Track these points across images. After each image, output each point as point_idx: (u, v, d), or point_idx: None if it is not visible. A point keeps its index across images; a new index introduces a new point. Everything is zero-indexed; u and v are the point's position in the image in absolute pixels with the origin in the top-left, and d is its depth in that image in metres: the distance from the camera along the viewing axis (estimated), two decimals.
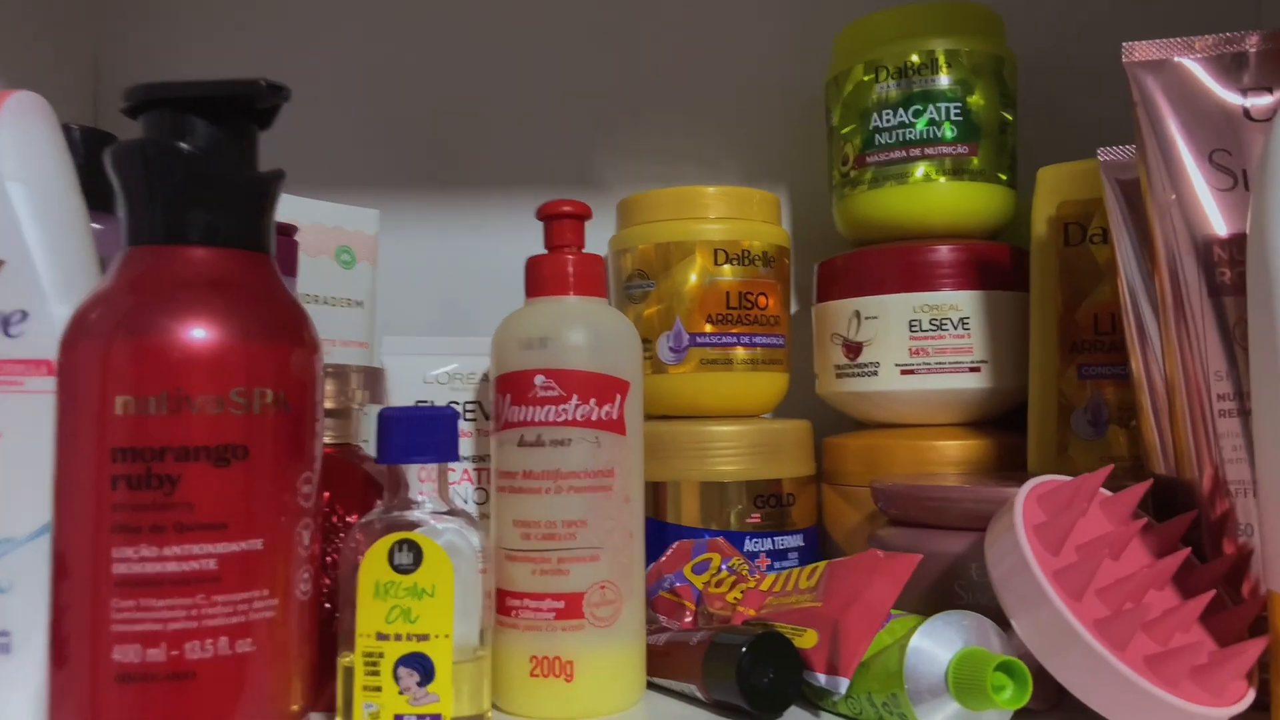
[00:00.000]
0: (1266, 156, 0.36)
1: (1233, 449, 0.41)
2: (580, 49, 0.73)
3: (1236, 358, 0.41)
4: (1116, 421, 0.53)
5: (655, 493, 0.57)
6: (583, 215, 0.44)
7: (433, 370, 0.45)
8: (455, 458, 0.38)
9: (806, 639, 0.40)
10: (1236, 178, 0.42)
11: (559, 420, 0.41)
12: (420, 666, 0.36)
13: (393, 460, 0.37)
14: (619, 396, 0.42)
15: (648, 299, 0.60)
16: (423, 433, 0.37)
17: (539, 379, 0.41)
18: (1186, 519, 0.41)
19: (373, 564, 0.36)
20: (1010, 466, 0.57)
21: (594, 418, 0.41)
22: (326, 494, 0.40)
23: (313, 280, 0.57)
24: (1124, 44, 0.45)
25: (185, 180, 0.35)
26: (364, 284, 0.60)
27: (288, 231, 0.47)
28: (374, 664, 0.36)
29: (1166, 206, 0.43)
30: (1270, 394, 0.35)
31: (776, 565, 0.57)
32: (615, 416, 0.42)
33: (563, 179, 0.72)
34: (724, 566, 0.50)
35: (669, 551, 0.52)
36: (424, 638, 0.36)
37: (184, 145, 0.35)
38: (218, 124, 0.36)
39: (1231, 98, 0.43)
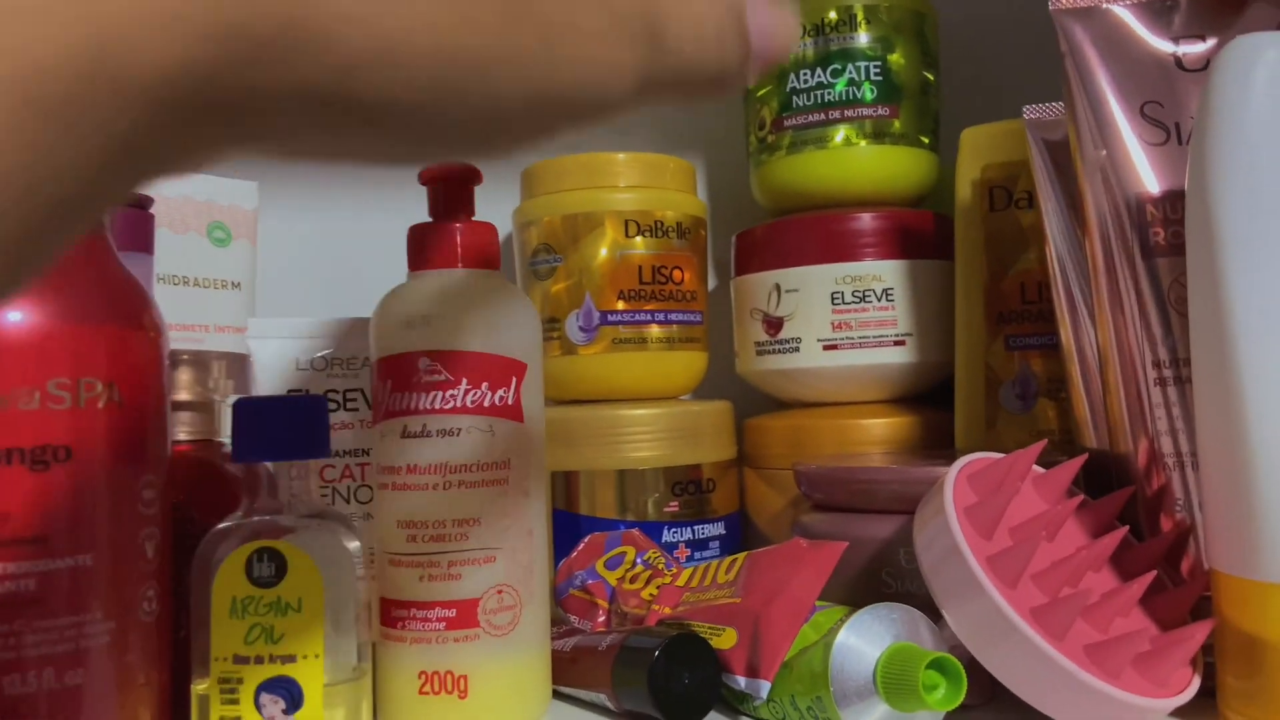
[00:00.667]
0: (1205, 111, 0.33)
1: (1169, 419, 0.39)
2: None
3: (1172, 323, 0.39)
4: (1046, 394, 0.51)
5: (567, 483, 0.53)
6: (472, 179, 0.40)
7: (307, 355, 0.41)
8: (324, 453, 0.33)
9: (725, 638, 0.37)
10: (1169, 131, 0.40)
11: (446, 408, 0.36)
12: (286, 692, 0.31)
13: (250, 458, 0.33)
14: (514, 380, 0.38)
15: (555, 275, 0.55)
16: (285, 425, 0.33)
17: (423, 362, 0.36)
18: (1123, 495, 0.38)
19: (228, 577, 0.31)
20: (938, 444, 0.54)
21: (486, 404, 0.37)
22: (181, 499, 0.36)
23: (180, 260, 0.52)
24: None
25: None
26: (242, 263, 0.55)
27: (140, 204, 0.42)
28: (232, 691, 0.31)
29: (1096, 164, 0.41)
30: (1212, 361, 0.33)
31: (697, 556, 0.53)
32: (511, 402, 0.37)
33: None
34: (639, 560, 0.46)
35: (580, 546, 0.48)
36: (290, 659, 0.31)
37: None
38: None
39: (1163, 46, 0.41)
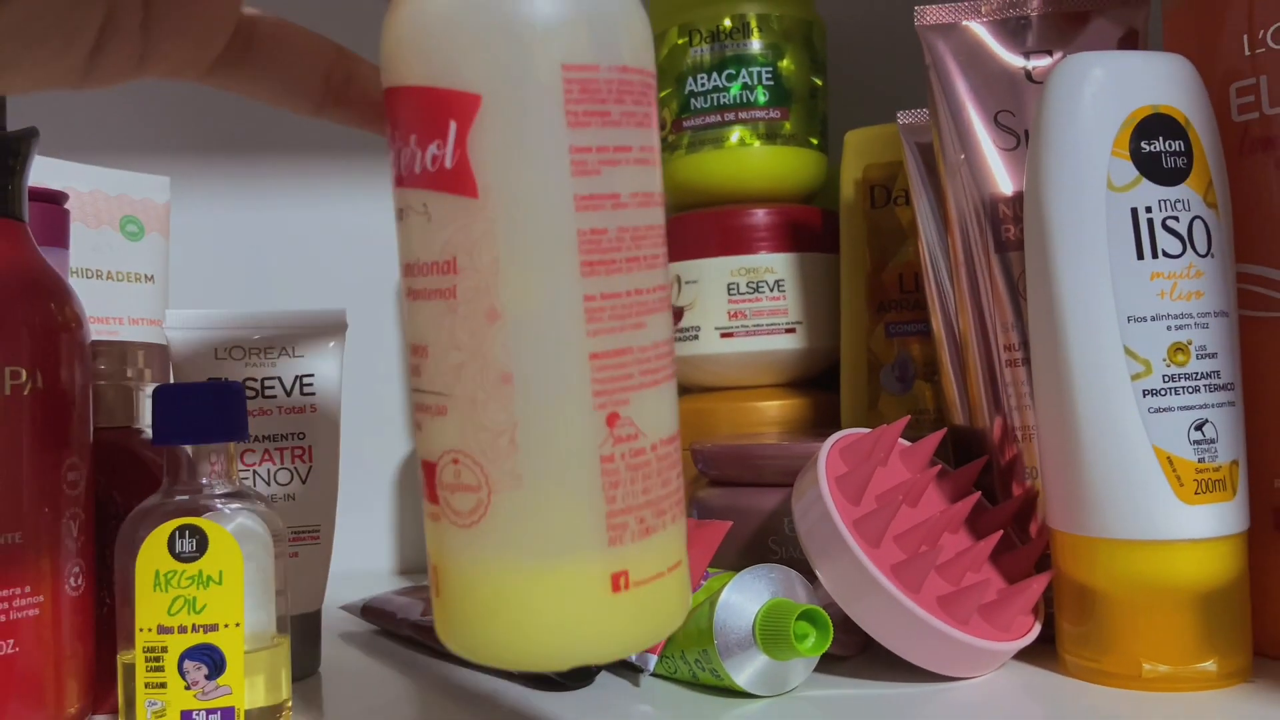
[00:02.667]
0: (1039, 121, 0.37)
1: (1018, 397, 0.43)
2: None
3: (1022, 311, 0.43)
4: (922, 376, 0.55)
5: None
6: None
7: (225, 345, 0.42)
8: (241, 436, 0.36)
9: None
10: (1019, 137, 0.44)
11: (395, 172, 0.25)
12: (209, 659, 0.33)
13: (169, 441, 0.35)
14: (452, 125, 0.24)
15: None
16: (203, 410, 0.35)
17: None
18: (977, 465, 0.42)
19: (151, 553, 0.33)
20: (826, 424, 0.58)
21: (417, 168, 0.24)
22: (103, 481, 0.37)
23: (94, 254, 0.53)
24: (916, 8, 0.46)
25: None
26: (155, 257, 0.56)
27: (56, 199, 0.43)
28: (157, 659, 0.33)
29: (956, 166, 0.45)
30: (1045, 343, 0.37)
31: None
32: (449, 164, 0.24)
33: (375, 143, 0.69)
34: None
35: None
36: (212, 628, 0.33)
37: None
38: None
39: (1015, 60, 0.45)
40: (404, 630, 0.47)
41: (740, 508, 0.46)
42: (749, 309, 0.58)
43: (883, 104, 0.65)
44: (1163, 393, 0.35)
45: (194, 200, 0.66)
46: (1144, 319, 0.35)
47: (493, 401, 0.24)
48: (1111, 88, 0.36)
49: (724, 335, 0.58)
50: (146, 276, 0.56)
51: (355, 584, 0.59)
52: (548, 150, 0.24)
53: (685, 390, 0.64)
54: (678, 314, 0.60)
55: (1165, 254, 0.35)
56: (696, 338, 0.59)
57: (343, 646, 0.48)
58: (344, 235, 0.68)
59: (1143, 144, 0.36)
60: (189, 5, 0.25)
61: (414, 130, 0.24)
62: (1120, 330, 0.35)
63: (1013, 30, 0.46)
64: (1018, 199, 0.44)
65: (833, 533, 0.37)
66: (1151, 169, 0.36)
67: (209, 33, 0.26)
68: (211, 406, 0.35)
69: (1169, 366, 0.35)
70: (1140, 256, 0.35)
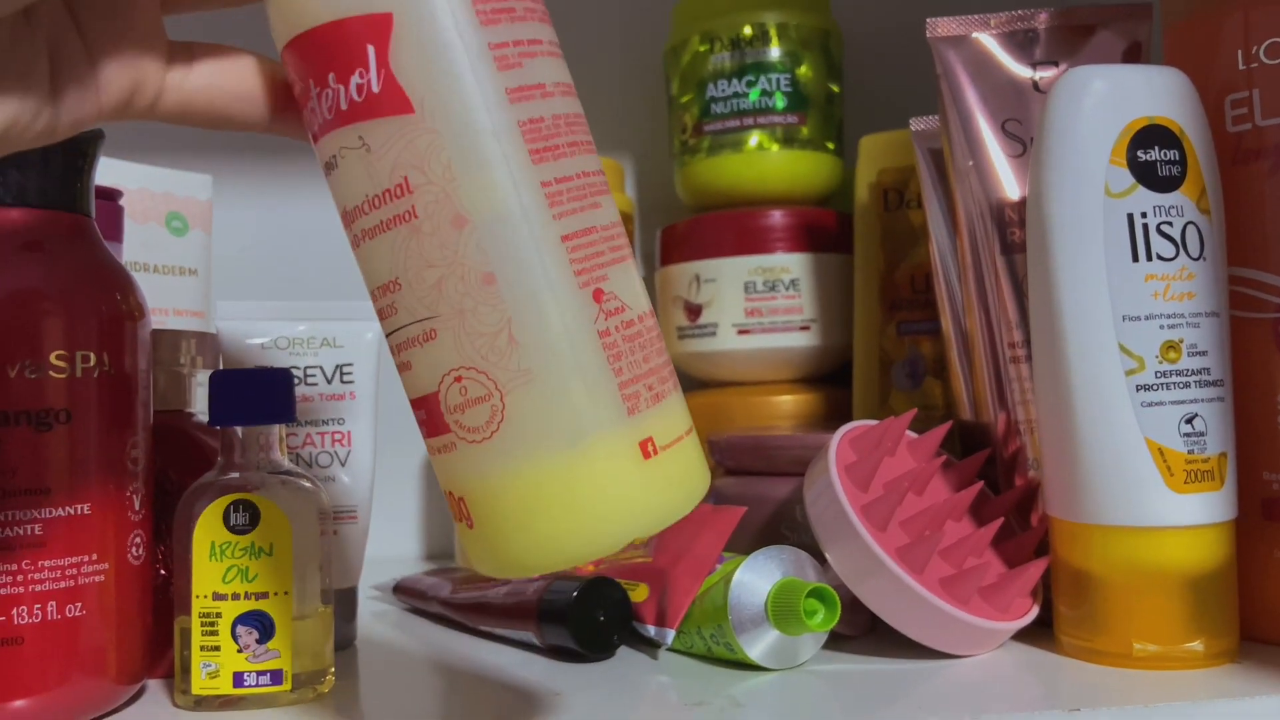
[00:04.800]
0: (1042, 130, 0.39)
1: (1022, 392, 0.45)
2: None
3: (1026, 310, 0.45)
4: (932, 374, 0.58)
5: None
6: None
7: (271, 336, 0.45)
8: (291, 418, 0.38)
9: (638, 593, 0.43)
10: (1025, 145, 0.46)
11: (313, 131, 0.26)
12: (259, 624, 0.36)
13: (225, 422, 0.37)
14: (370, 50, 0.24)
15: None
16: (256, 394, 0.37)
17: (285, 59, 0.26)
18: (981, 456, 0.45)
19: (208, 525, 0.36)
20: (838, 418, 0.60)
21: (344, 104, 0.25)
22: (159, 459, 0.40)
23: (142, 248, 0.55)
24: (928, 20, 0.48)
25: None
26: (197, 252, 0.59)
27: (111, 196, 0.46)
28: (212, 624, 0.36)
29: (965, 172, 0.47)
30: (1045, 339, 0.39)
31: None
32: (376, 88, 0.24)
33: None
34: None
35: None
36: (263, 595, 0.36)
37: None
38: None
39: (1022, 71, 0.47)
40: (433, 607, 0.50)
41: (755, 495, 0.49)
42: (765, 307, 0.60)
43: (895, 111, 0.67)
44: (1155, 387, 0.37)
45: (234, 198, 0.69)
46: (1138, 318, 0.37)
47: (481, 305, 0.24)
48: (1110, 99, 0.38)
49: (741, 332, 0.61)
50: (190, 270, 0.59)
51: (384, 568, 0.61)
52: (470, 50, 0.24)
53: (702, 385, 0.66)
54: (696, 311, 0.62)
55: (1159, 257, 0.37)
56: (714, 334, 0.61)
57: (376, 622, 0.51)
58: None
59: (1139, 153, 0.38)
60: (114, 13, 0.26)
61: (331, 69, 0.24)
62: (1115, 328, 0.37)
63: (1020, 42, 0.48)
64: (1024, 203, 0.46)
65: (841, 517, 0.39)
66: (1147, 177, 0.38)
67: (145, 36, 0.27)
68: (264, 391, 0.37)
69: (1161, 363, 0.37)
70: (1135, 259, 0.37)
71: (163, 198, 0.58)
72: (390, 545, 0.69)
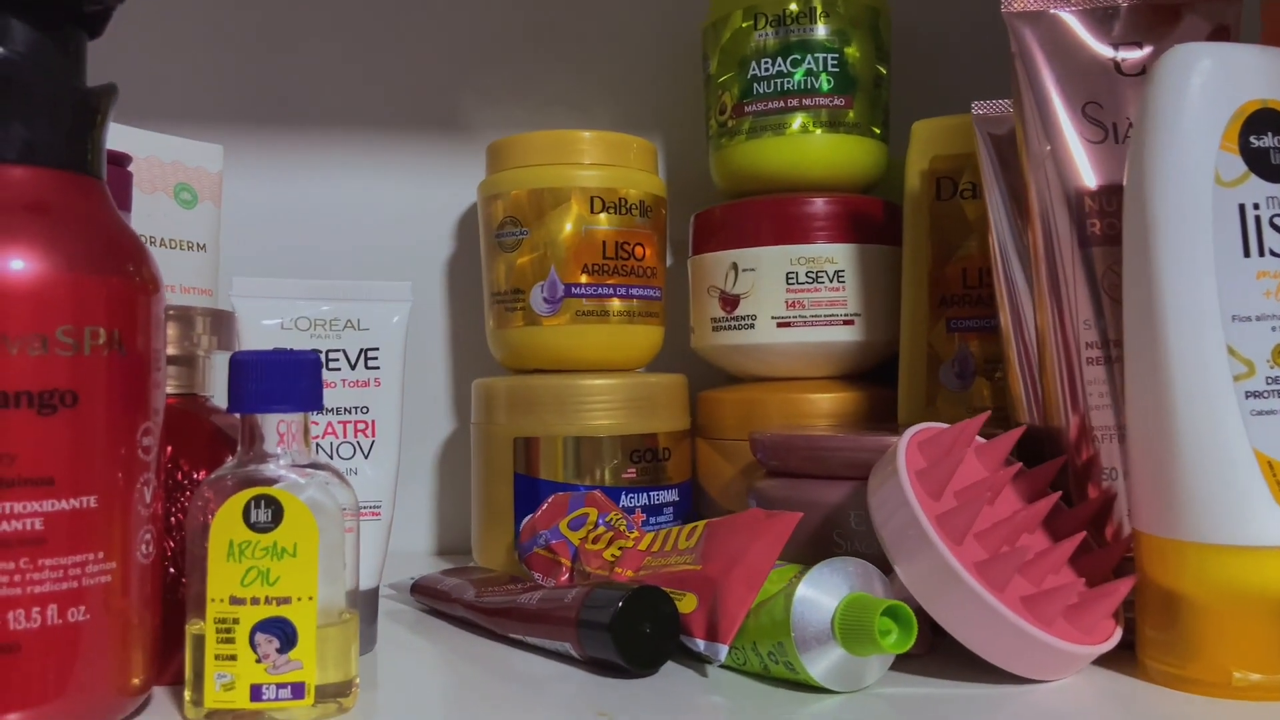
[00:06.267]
0: (1144, 112, 0.36)
1: (1099, 395, 0.42)
2: None
3: (1103, 307, 0.42)
4: (982, 373, 0.54)
5: (527, 448, 0.55)
6: None
7: (291, 316, 0.42)
8: (319, 407, 0.35)
9: (686, 603, 0.39)
10: (1107, 130, 0.43)
11: None
12: (280, 632, 0.33)
13: (247, 409, 0.34)
14: None
15: (520, 247, 0.57)
16: (282, 378, 0.34)
17: None
18: (1055, 464, 0.42)
19: (226, 522, 0.33)
20: (881, 418, 0.57)
21: None
22: (170, 448, 0.37)
23: (149, 220, 0.52)
24: None
25: (2, 90, 0.31)
26: (207, 225, 0.55)
27: (121, 161, 0.42)
28: (228, 631, 0.33)
29: (1041, 158, 0.44)
30: (1143, 342, 0.36)
31: (652, 521, 0.56)
32: None
33: (427, 118, 0.68)
34: (601, 522, 0.48)
35: (544, 506, 0.50)
36: (285, 601, 0.33)
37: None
38: (40, 27, 0.31)
39: (1104, 50, 0.44)
40: (456, 610, 0.47)
41: (803, 500, 0.45)
42: (807, 299, 0.57)
43: (941, 94, 0.64)
44: (1266, 395, 0.34)
45: (246, 170, 0.65)
46: (1248, 318, 0.34)
47: None
48: (1220, 80, 0.35)
49: (780, 325, 0.57)
50: (199, 245, 0.55)
51: (395, 562, 0.58)
52: None
53: (736, 379, 0.63)
54: (733, 302, 0.59)
55: (1272, 252, 0.34)
56: (753, 327, 0.58)
57: (393, 624, 0.47)
58: (394, 208, 0.67)
59: (1252, 139, 0.35)
60: None
61: None
62: (1224, 329, 0.34)
63: (1101, 20, 0.45)
64: (1104, 192, 0.43)
65: (916, 529, 0.36)
66: (1260, 165, 0.35)
67: None
68: (290, 376, 0.34)
69: (1273, 368, 0.34)
70: (1246, 254, 0.34)
71: (171, 168, 0.54)
72: (402, 540, 0.66)
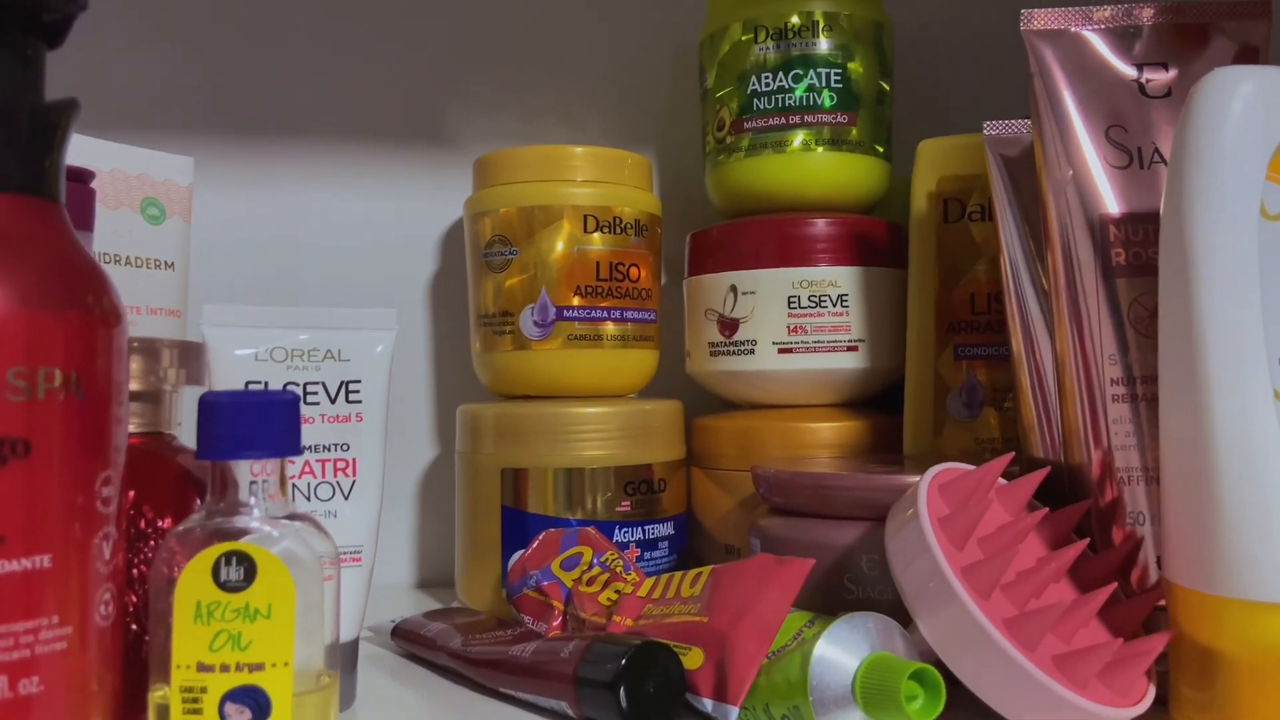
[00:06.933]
0: (1183, 138, 0.34)
1: (1124, 435, 0.40)
2: None
3: (1129, 341, 0.40)
4: (990, 403, 0.52)
5: (515, 480, 0.52)
6: None
7: (266, 346, 0.39)
8: (296, 451, 0.32)
9: (692, 658, 0.37)
10: (1132, 155, 0.41)
11: None
12: (253, 701, 0.30)
13: (218, 456, 0.31)
14: None
15: (509, 268, 0.54)
16: (256, 421, 0.31)
17: None
18: (1080, 508, 0.39)
19: (193, 581, 0.30)
20: (885, 448, 0.55)
21: None
22: (131, 494, 0.34)
23: (113, 237, 0.49)
24: (1023, 11, 0.43)
25: None
26: (176, 243, 0.52)
27: (82, 177, 0.39)
28: (195, 700, 0.30)
29: (1062, 183, 0.42)
30: (1180, 379, 0.34)
31: (646, 555, 0.53)
32: None
33: (411, 131, 0.65)
34: (595, 562, 0.46)
35: (535, 543, 0.47)
36: (258, 667, 0.30)
37: None
38: None
39: (1127, 71, 0.42)
40: (441, 659, 0.44)
41: (810, 541, 0.43)
42: (810, 324, 0.55)
43: (947, 114, 0.62)
44: None
45: (218, 183, 0.62)
46: None
47: None
48: (1265, 106, 0.33)
49: (782, 351, 0.55)
50: (166, 263, 0.52)
51: (375, 597, 0.55)
52: None
53: (735, 406, 0.60)
54: (732, 326, 0.56)
55: None
56: (752, 352, 0.55)
57: (373, 670, 0.44)
58: (375, 224, 0.64)
59: None
60: None
61: None
62: (1271, 372, 0.32)
63: (1123, 39, 0.43)
64: (1129, 220, 0.40)
65: (940, 581, 0.34)
66: None
67: None
68: (265, 418, 0.31)
69: None
70: None
71: (138, 181, 0.51)
72: (381, 572, 0.63)
